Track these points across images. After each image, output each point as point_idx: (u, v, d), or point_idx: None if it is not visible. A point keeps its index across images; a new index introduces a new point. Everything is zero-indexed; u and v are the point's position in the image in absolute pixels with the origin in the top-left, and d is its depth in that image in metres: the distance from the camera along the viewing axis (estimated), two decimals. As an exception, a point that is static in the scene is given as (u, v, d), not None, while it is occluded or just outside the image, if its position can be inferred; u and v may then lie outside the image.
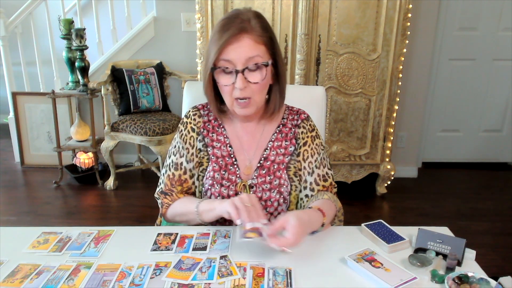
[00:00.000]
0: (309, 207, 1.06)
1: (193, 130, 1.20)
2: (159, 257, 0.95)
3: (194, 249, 0.98)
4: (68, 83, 3.29)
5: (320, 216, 1.03)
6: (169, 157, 1.21)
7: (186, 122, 1.21)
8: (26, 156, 3.50)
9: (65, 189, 3.12)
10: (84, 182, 3.20)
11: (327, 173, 1.20)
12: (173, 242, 1.01)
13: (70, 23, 3.12)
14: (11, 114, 3.46)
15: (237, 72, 1.03)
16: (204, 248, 0.98)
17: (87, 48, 3.05)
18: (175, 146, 1.20)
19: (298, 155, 1.19)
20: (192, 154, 1.19)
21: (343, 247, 0.98)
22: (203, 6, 2.57)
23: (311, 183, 1.18)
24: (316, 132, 1.22)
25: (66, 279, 0.88)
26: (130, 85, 3.01)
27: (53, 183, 3.16)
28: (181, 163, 1.18)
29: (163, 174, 1.21)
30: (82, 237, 1.04)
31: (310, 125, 1.22)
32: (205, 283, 0.86)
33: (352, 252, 0.94)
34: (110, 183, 3.10)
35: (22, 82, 3.48)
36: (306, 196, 1.18)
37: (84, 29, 3.03)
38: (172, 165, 1.19)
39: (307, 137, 1.20)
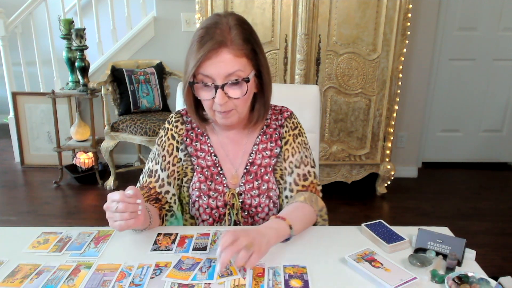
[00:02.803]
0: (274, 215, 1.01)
1: (173, 137, 1.16)
2: (159, 257, 0.95)
3: (194, 249, 0.98)
4: (68, 83, 3.29)
5: (282, 223, 0.96)
6: (147, 163, 1.17)
7: (167, 128, 1.17)
8: (26, 156, 3.50)
9: (65, 189, 3.12)
10: (84, 182, 3.20)
11: (308, 172, 1.14)
12: (173, 242, 1.01)
13: (70, 23, 3.13)
14: (11, 114, 3.46)
15: (216, 87, 0.98)
16: (204, 248, 0.98)
17: (87, 48, 3.05)
18: (153, 153, 1.16)
19: (281, 155, 1.16)
20: (169, 162, 1.14)
21: (343, 247, 0.98)
22: (203, 6, 2.57)
23: (290, 184, 1.14)
24: (299, 130, 1.18)
25: (66, 279, 0.88)
26: (130, 85, 3.01)
27: (53, 183, 3.16)
28: (156, 171, 1.13)
29: (139, 180, 1.16)
30: (82, 237, 1.03)
31: (293, 122, 1.18)
32: (205, 283, 0.86)
33: (352, 252, 0.94)
34: (110, 183, 3.10)
35: (22, 82, 3.48)
36: (286, 197, 1.15)
37: (84, 29, 3.03)
38: (147, 172, 1.15)
39: (289, 135, 1.16)
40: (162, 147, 1.15)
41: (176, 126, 1.17)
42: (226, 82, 0.98)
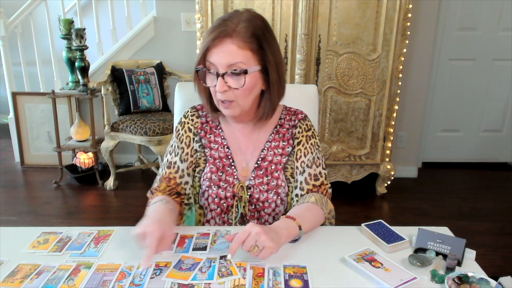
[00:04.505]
0: (285, 215, 1.02)
1: (190, 130, 1.20)
2: (159, 257, 0.95)
3: (194, 249, 0.98)
4: (68, 83, 3.29)
5: (292, 223, 0.98)
6: (165, 156, 1.21)
7: (184, 121, 1.22)
8: (26, 156, 3.50)
9: (65, 189, 3.12)
10: (84, 182, 3.20)
11: (320, 173, 1.17)
12: (173, 242, 1.01)
13: (70, 23, 3.12)
14: (11, 114, 3.46)
15: (218, 75, 1.03)
16: (204, 248, 0.98)
17: (87, 48, 3.05)
18: (171, 145, 1.21)
19: (293, 155, 1.18)
20: (187, 153, 1.18)
21: (343, 247, 0.98)
22: (203, 6, 2.57)
23: (301, 182, 1.16)
24: (313, 132, 1.21)
25: (66, 279, 0.88)
26: (130, 85, 3.01)
27: (53, 183, 3.16)
28: (175, 162, 1.18)
29: (159, 173, 1.20)
30: (82, 237, 1.04)
31: (306, 124, 1.21)
32: (205, 283, 0.86)
33: (352, 252, 0.94)
34: (110, 183, 3.10)
35: (22, 82, 3.48)
36: (296, 195, 1.16)
37: (84, 29, 3.03)
38: (166, 164, 1.19)
39: (302, 136, 1.19)
40: (180, 139, 1.20)
41: (192, 120, 1.21)
42: (227, 71, 1.02)
